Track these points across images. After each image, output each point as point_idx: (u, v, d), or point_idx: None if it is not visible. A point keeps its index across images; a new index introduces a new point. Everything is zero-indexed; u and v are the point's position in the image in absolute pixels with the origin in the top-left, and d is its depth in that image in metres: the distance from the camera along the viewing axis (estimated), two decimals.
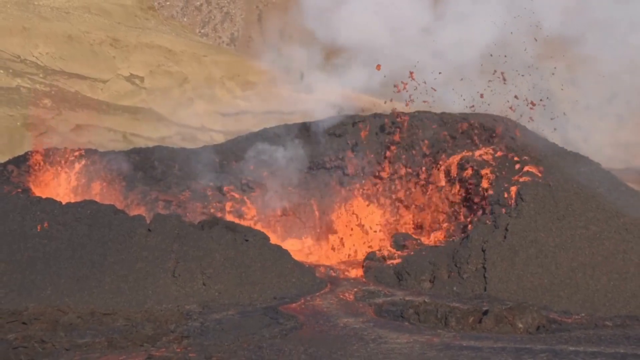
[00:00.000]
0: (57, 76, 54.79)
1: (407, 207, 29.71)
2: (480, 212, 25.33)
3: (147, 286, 21.80)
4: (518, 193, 24.22)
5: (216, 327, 17.86)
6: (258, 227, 29.64)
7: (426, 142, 29.46)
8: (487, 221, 23.98)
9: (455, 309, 17.95)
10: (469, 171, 27.04)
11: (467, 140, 28.87)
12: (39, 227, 23.20)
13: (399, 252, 25.65)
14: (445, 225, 26.95)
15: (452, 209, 27.54)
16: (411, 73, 30.69)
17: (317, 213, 31.75)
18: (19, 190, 25.56)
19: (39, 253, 22.71)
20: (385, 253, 25.73)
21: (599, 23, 33.00)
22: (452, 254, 23.47)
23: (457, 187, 27.67)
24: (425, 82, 30.69)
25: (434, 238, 26.68)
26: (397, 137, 30.07)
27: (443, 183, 28.40)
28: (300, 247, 30.61)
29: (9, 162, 29.02)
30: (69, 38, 57.52)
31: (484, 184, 25.87)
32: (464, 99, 31.34)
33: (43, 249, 22.81)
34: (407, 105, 31.16)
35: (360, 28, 33.10)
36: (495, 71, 31.39)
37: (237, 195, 31.17)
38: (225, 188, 31.09)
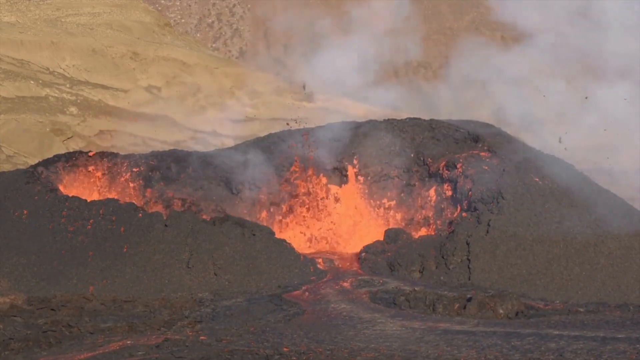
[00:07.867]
0: (82, 86, 54.85)
1: (399, 204, 29.59)
2: (465, 209, 25.32)
3: (163, 276, 21.85)
4: (499, 192, 24.20)
5: (226, 313, 17.88)
6: None
7: (417, 145, 29.37)
8: (471, 217, 23.97)
9: (442, 296, 17.99)
10: (456, 172, 27.00)
11: (454, 144, 28.83)
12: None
13: (391, 245, 25.58)
14: (433, 220, 26.92)
15: (440, 206, 27.49)
16: None
17: None
18: (48, 189, 25.54)
19: (66, 246, 22.71)
20: (379, 246, 25.65)
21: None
22: (439, 246, 23.47)
23: (445, 186, 27.62)
24: None
25: (423, 232, 26.65)
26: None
27: (432, 182, 28.33)
28: None
29: (39, 164, 28.95)
30: (93, 52, 57.60)
31: (469, 183, 25.84)
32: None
33: (70, 243, 22.82)
34: None
35: None
36: None
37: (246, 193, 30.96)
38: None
